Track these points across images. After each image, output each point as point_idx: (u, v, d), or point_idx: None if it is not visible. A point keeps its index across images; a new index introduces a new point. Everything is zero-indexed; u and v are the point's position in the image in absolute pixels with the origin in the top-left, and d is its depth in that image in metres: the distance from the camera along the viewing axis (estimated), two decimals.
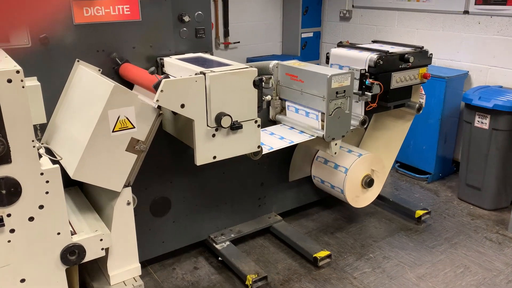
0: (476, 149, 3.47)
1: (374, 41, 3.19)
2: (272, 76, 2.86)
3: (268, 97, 2.28)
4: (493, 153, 3.37)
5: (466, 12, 3.89)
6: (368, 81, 2.67)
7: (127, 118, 1.91)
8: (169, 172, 2.62)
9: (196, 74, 2.00)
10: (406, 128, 3.16)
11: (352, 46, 2.97)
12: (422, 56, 2.85)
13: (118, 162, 1.95)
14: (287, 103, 2.85)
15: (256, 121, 2.18)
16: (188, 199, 2.75)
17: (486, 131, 3.36)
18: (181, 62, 2.31)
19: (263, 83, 2.18)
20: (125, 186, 2.03)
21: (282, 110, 2.93)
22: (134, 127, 1.93)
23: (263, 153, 2.41)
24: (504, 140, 3.31)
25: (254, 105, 2.14)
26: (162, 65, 2.44)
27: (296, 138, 2.65)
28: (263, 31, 5.33)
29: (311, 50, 5.37)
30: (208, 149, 2.06)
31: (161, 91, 1.86)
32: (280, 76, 2.83)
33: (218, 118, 2.02)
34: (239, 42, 5.11)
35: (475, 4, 3.80)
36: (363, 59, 2.72)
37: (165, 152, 2.55)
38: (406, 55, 2.74)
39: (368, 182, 2.97)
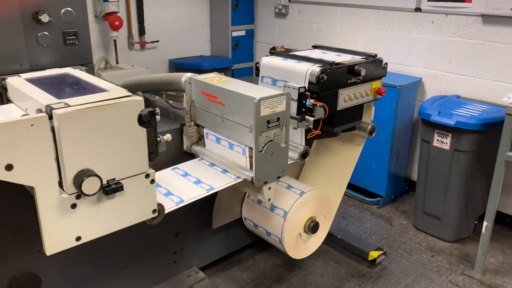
0: (435, 173, 2.95)
1: (314, 46, 2.55)
2: (184, 94, 2.13)
3: (167, 137, 1.57)
4: (455, 177, 2.86)
5: (418, 9, 3.36)
6: (309, 102, 2.02)
7: None
8: (35, 237, 1.82)
9: (38, 111, 1.24)
10: (357, 154, 2.55)
11: (288, 53, 2.30)
12: (375, 67, 2.24)
13: None
14: (205, 130, 2.14)
15: (148, 175, 1.45)
16: (67, 271, 1.97)
17: (447, 152, 2.84)
18: (29, 85, 1.52)
19: (156, 116, 1.45)
20: None
21: (201, 139, 2.22)
22: None
23: (168, 211, 1.70)
24: (467, 162, 2.80)
25: (143, 152, 1.41)
26: (6, 89, 1.64)
27: (217, 181, 1.94)
28: (187, 28, 4.56)
29: (243, 51, 4.67)
30: (65, 228, 1.31)
31: None
32: (195, 95, 2.11)
33: (78, 180, 1.27)
34: (157, 41, 4.30)
35: (428, 0, 3.27)
36: (302, 72, 2.06)
37: (25, 211, 1.75)
38: (356, 67, 2.11)
39: (312, 227, 2.33)
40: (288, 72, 2.13)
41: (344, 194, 3.63)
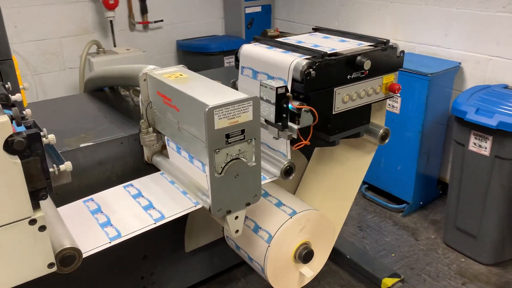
0: (471, 182, 2.40)
1: (315, 29, 2.04)
2: (140, 93, 1.72)
3: (67, 166, 1.15)
4: (495, 189, 2.30)
5: None
6: (292, 106, 1.55)
7: None
8: None
9: None
10: (366, 163, 2.06)
11: (275, 40, 1.82)
12: (387, 57, 1.72)
13: None
14: (166, 138, 1.73)
15: (33, 221, 1.06)
16: None
17: (486, 159, 2.28)
18: None
19: (39, 144, 1.04)
20: None
21: (165, 148, 1.81)
22: None
23: (93, 252, 1.32)
24: (511, 172, 2.24)
25: (20, 192, 1.01)
26: None
27: (171, 207, 1.54)
28: (197, 5, 4.11)
29: (260, 29, 4.15)
30: None
31: None
32: (152, 95, 1.69)
33: None
34: (161, 20, 3.89)
35: None
36: (285, 66, 1.58)
37: None
38: (358, 58, 1.61)
39: (304, 256, 1.88)
40: (270, 65, 1.66)
41: (364, 197, 3.15)
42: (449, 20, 2.84)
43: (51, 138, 1.09)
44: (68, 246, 1.23)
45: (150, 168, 1.82)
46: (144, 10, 3.79)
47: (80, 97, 2.28)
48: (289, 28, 4.09)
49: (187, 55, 3.97)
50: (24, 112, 1.47)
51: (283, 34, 2.02)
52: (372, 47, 1.72)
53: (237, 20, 4.10)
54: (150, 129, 1.73)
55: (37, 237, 1.07)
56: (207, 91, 1.45)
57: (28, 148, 1.02)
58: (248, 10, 4.05)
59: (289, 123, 1.58)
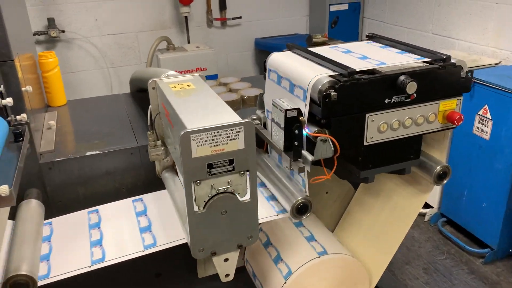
0: None
1: (370, 37, 1.68)
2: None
3: (2, 191, 1.02)
4: None
5: None
6: (307, 133, 1.26)
7: None
8: None
9: None
10: (419, 204, 1.66)
11: (307, 49, 1.52)
12: (445, 78, 1.33)
13: None
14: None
15: None
16: None
17: None
18: None
19: None
20: None
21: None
22: None
23: (63, 277, 1.21)
24: None
25: None
26: None
27: (166, 234, 1.38)
28: (281, 1, 3.88)
29: (344, 29, 3.81)
30: None
31: None
32: (159, 105, 1.52)
33: None
34: (240, 17, 3.73)
35: None
36: (305, 83, 1.29)
37: None
38: (401, 78, 1.25)
39: None
40: (293, 79, 1.38)
41: (440, 233, 2.68)
42: None
43: None
44: (22, 273, 1.13)
45: (162, 183, 1.66)
46: (222, 6, 3.67)
47: (120, 98, 2.21)
48: (378, 29, 3.66)
49: (264, 54, 3.77)
50: (17, 117, 1.40)
51: (330, 41, 1.72)
52: (426, 64, 1.34)
53: (321, 18, 3.79)
54: (159, 142, 1.56)
55: None
56: (200, 109, 1.23)
57: None
58: (333, 8, 3.70)
59: (304, 152, 1.29)
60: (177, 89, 1.40)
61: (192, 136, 1.09)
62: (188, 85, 1.43)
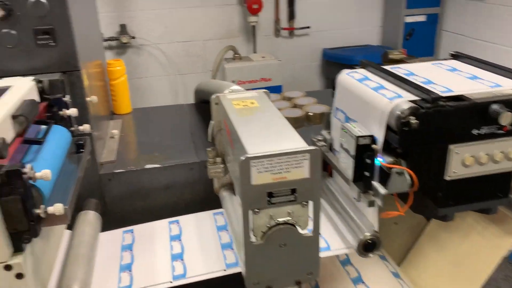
0: None
1: (454, 55, 1.51)
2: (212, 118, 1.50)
3: (56, 209, 0.97)
4: None
5: None
6: (381, 163, 1.13)
7: None
8: None
9: None
10: (505, 245, 1.46)
11: (383, 68, 1.39)
12: None
13: None
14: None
15: (8, 267, 0.93)
16: None
17: None
18: None
19: (19, 182, 0.89)
20: None
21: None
22: None
23: None
24: None
25: None
26: None
27: (198, 265, 1.29)
28: (352, 11, 3.74)
29: (419, 42, 3.59)
30: None
31: None
32: (222, 122, 1.46)
33: None
34: (308, 27, 3.63)
35: None
36: (379, 108, 1.16)
37: None
38: (493, 107, 1.09)
39: None
40: (363, 102, 1.25)
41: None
42: None
43: (42, 174, 0.94)
44: None
45: (211, 205, 1.60)
46: (291, 16, 3.59)
47: (184, 108, 2.19)
48: (457, 43, 3.41)
49: (331, 66, 3.64)
50: (80, 127, 1.39)
51: (410, 58, 1.57)
52: None
53: (395, 30, 3.59)
54: (218, 159, 1.50)
55: (14, 285, 0.94)
56: (262, 131, 1.14)
57: (7, 185, 0.88)
58: (409, 19, 3.50)
59: (375, 184, 1.16)
60: (240, 107, 1.32)
61: (252, 162, 1.00)
62: (252, 103, 1.35)
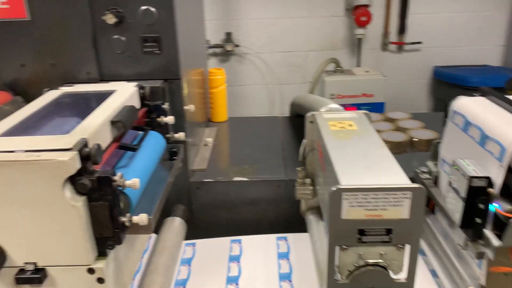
0: None
1: None
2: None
3: (140, 219, 0.95)
4: None
5: None
6: (497, 210, 0.97)
7: None
8: None
9: None
10: None
11: (507, 97, 1.20)
12: None
13: None
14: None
15: (91, 270, 0.94)
16: None
17: None
18: (28, 108, 1.17)
19: (108, 189, 0.89)
20: None
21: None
22: None
23: None
24: None
25: (80, 237, 0.90)
26: None
27: None
28: (471, 28, 3.42)
29: None
30: None
31: None
32: (316, 142, 1.38)
33: None
34: (420, 42, 3.39)
35: None
36: (501, 140, 1.00)
37: None
38: None
39: None
40: (487, 129, 1.09)
41: None
42: None
43: (131, 182, 0.94)
44: None
45: (305, 223, 1.52)
46: (402, 30, 3.38)
47: (278, 121, 2.14)
48: None
49: (442, 85, 3.36)
50: (175, 135, 1.41)
51: None
52: None
53: None
54: (308, 180, 1.42)
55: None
56: (359, 160, 1.04)
57: (97, 191, 0.89)
58: None
59: (487, 233, 1.00)
60: (337, 128, 1.23)
61: (344, 195, 0.90)
62: (350, 125, 1.25)
